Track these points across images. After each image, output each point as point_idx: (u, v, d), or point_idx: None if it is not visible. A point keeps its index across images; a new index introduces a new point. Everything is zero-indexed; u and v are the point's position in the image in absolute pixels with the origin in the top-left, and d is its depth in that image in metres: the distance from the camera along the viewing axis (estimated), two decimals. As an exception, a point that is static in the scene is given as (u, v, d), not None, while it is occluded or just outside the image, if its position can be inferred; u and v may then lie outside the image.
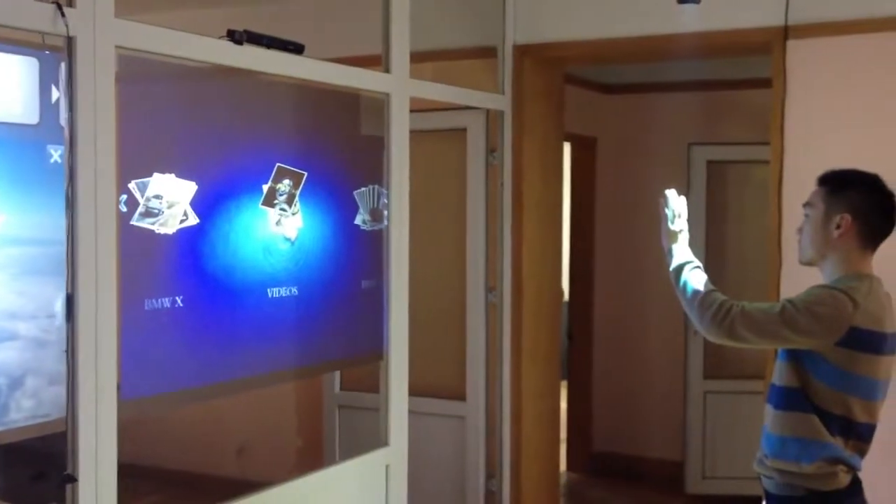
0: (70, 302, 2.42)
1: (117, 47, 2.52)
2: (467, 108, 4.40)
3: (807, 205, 2.58)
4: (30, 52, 2.32)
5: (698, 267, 2.60)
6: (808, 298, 2.42)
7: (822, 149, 3.79)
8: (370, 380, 3.92)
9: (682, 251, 2.66)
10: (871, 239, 2.50)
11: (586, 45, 4.37)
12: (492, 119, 4.48)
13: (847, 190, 2.50)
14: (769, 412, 2.56)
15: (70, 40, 2.38)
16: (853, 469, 2.46)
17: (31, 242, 2.33)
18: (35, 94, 2.34)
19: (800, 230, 2.60)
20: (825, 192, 2.53)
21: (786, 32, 3.88)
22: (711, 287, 2.52)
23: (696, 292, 2.51)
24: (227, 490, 3.04)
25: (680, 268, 2.60)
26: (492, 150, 4.51)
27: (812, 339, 2.39)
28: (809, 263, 2.61)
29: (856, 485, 2.49)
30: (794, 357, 2.47)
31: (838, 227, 2.48)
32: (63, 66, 2.39)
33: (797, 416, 2.45)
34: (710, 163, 5.68)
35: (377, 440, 3.70)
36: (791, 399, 2.47)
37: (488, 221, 4.53)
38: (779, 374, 2.53)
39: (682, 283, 2.56)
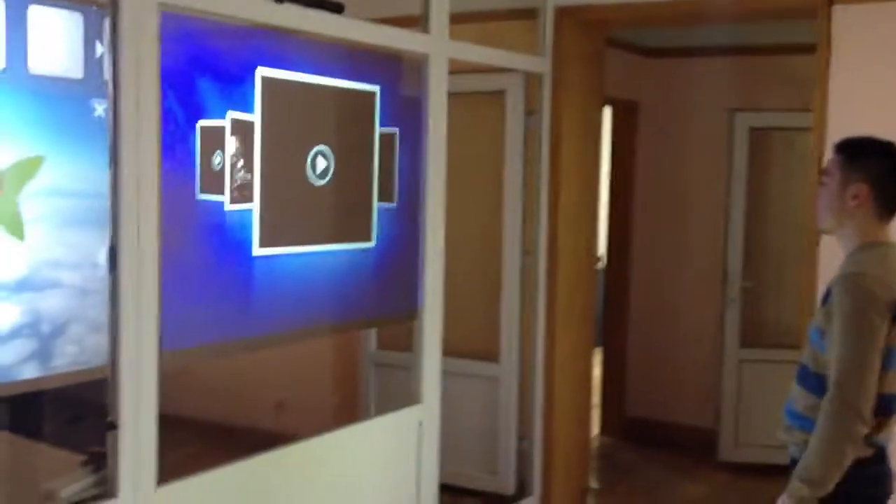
0: (113, 253, 2.49)
1: (160, 3, 2.56)
2: (506, 71, 4.40)
3: (823, 172, 2.58)
4: (75, 6, 2.36)
5: None
6: (854, 301, 2.38)
7: (866, 117, 3.73)
8: (406, 339, 3.98)
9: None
10: (888, 207, 2.50)
11: (628, 7, 4.33)
12: (531, 82, 4.48)
13: (863, 159, 2.49)
14: (796, 389, 2.56)
15: (114, -3, 2.43)
16: (876, 445, 2.47)
17: (75, 194, 2.39)
18: (80, 49, 2.38)
19: (818, 198, 2.60)
20: (842, 161, 2.52)
21: (831, -3, 3.82)
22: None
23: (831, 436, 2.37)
24: (265, 442, 3.11)
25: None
26: (530, 113, 4.50)
27: (884, 325, 2.36)
28: (828, 232, 2.62)
29: (880, 453, 2.49)
30: (818, 345, 2.48)
31: (855, 196, 2.47)
32: (107, 22, 2.43)
33: (820, 401, 2.43)
34: (752, 129, 5.62)
35: (410, 397, 3.76)
36: (814, 383, 2.48)
37: (525, 184, 4.53)
38: (806, 355, 2.54)
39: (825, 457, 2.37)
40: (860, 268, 2.44)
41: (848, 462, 2.36)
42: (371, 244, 3.46)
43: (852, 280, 2.42)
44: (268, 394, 5.39)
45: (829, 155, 2.64)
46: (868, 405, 2.34)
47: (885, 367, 2.42)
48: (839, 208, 2.51)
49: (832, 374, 2.39)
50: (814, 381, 2.50)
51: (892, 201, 2.50)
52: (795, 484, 2.39)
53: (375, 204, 3.47)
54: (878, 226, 2.50)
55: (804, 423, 2.51)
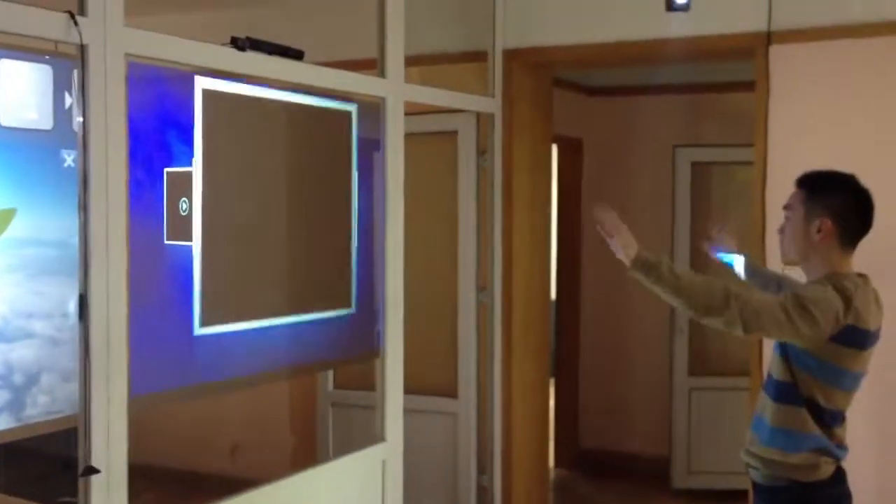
0: (83, 301, 2.49)
1: (127, 54, 2.59)
2: (458, 111, 4.50)
3: (787, 207, 2.65)
4: (44, 59, 2.39)
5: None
6: (814, 295, 2.45)
7: (805, 151, 3.90)
8: (363, 378, 4.00)
9: (649, 252, 2.50)
10: (851, 239, 2.58)
11: (575, 49, 4.47)
12: (482, 122, 4.58)
13: (825, 192, 2.57)
14: (766, 402, 2.62)
15: (83, 48, 2.45)
16: (837, 460, 2.57)
17: (46, 244, 2.40)
18: (49, 100, 2.41)
19: (781, 231, 2.68)
20: (804, 195, 2.60)
21: (769, 38, 3.99)
22: (711, 280, 2.44)
23: (707, 291, 2.40)
24: (222, 488, 3.09)
25: (669, 268, 2.45)
26: (482, 151, 4.60)
27: (817, 333, 2.42)
28: (792, 264, 2.69)
29: (839, 475, 2.59)
30: (784, 352, 2.56)
31: (819, 230, 2.55)
32: (76, 72, 2.46)
33: (788, 409, 2.54)
34: (694, 164, 5.80)
35: (372, 436, 3.78)
36: (783, 392, 2.56)
37: (479, 222, 4.62)
38: (773, 366, 2.62)
39: (682, 283, 2.42)
40: (833, 280, 2.51)
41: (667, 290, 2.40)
42: (352, 310, 3.53)
43: (825, 280, 2.51)
44: (224, 437, 5.35)
45: (773, 189, 2.73)
46: (751, 326, 2.37)
47: (833, 384, 2.52)
48: (803, 242, 2.58)
49: (789, 293, 2.44)
50: (779, 388, 2.56)
51: (855, 233, 2.58)
52: (641, 256, 2.44)
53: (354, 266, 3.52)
54: (842, 256, 2.58)
55: (767, 434, 2.57)
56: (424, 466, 4.60)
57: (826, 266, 2.57)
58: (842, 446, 2.57)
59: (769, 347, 2.76)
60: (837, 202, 2.56)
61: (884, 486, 3.78)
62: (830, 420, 2.54)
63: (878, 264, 2.81)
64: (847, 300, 2.45)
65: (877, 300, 2.58)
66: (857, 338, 2.49)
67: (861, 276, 2.59)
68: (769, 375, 2.65)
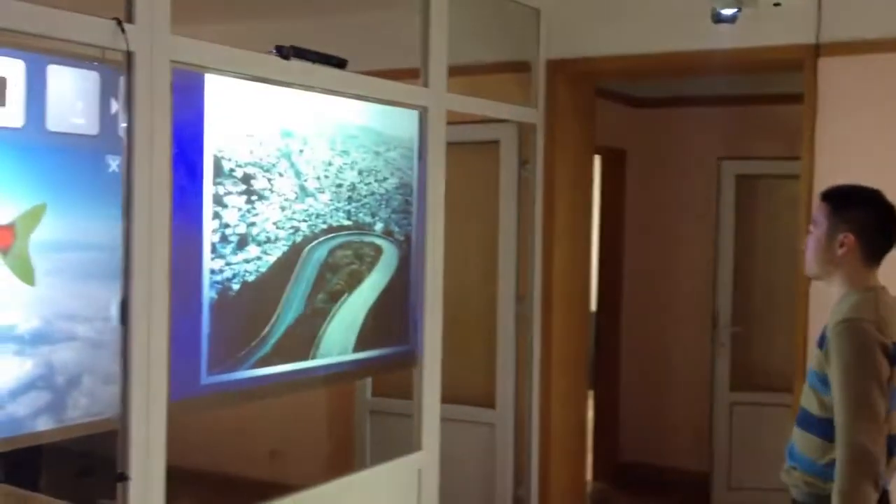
0: (124, 306, 2.52)
1: (172, 62, 2.62)
2: (501, 121, 4.49)
3: (811, 221, 2.63)
4: (92, 65, 2.42)
5: None
6: (851, 346, 2.42)
7: (852, 165, 3.84)
8: (401, 386, 4.00)
9: None
10: (875, 254, 2.55)
11: (619, 60, 4.45)
12: (524, 132, 4.57)
13: (850, 207, 2.55)
14: (797, 432, 2.59)
15: (129, 55, 2.49)
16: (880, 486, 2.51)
17: (90, 248, 2.43)
18: (96, 106, 2.44)
19: (805, 245, 2.66)
20: (828, 210, 2.57)
21: (817, 50, 3.94)
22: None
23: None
24: (260, 492, 3.11)
25: None
26: (524, 162, 4.59)
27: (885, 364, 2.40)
28: (816, 278, 2.67)
29: (882, 498, 2.53)
30: (818, 388, 2.51)
31: (842, 245, 2.52)
32: (122, 79, 2.49)
33: (825, 444, 2.48)
34: (739, 177, 5.73)
35: (409, 445, 3.78)
36: (819, 426, 2.51)
37: (519, 232, 4.60)
38: (806, 398, 2.58)
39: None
40: (855, 313, 2.48)
41: None
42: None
43: (848, 325, 2.46)
44: (263, 442, 5.38)
45: (816, 202, 2.71)
46: (879, 445, 2.37)
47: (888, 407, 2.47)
48: (827, 256, 2.56)
49: (838, 419, 2.41)
50: (815, 424, 2.53)
51: (879, 248, 2.55)
52: None
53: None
54: (866, 271, 2.55)
55: (805, 464, 2.55)
56: (461, 476, 4.59)
57: (849, 282, 2.54)
58: (883, 475, 2.51)
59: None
60: (861, 217, 2.53)
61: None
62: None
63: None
64: (875, 323, 2.42)
65: None
66: (893, 353, 2.45)
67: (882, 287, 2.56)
68: (801, 408, 2.59)
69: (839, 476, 2.38)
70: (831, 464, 2.45)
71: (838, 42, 3.90)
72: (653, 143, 6.31)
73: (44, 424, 2.35)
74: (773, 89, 5.34)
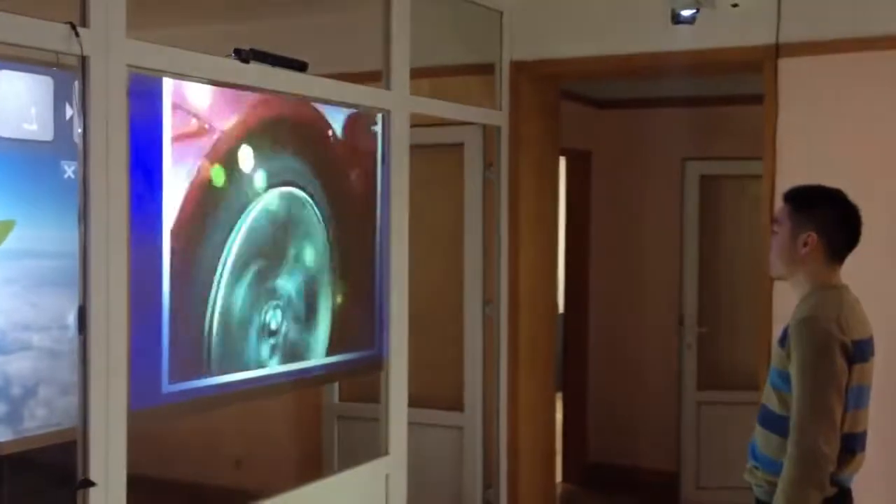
0: (82, 314, 2.48)
1: (128, 66, 2.59)
2: (465, 124, 4.48)
3: (774, 221, 2.67)
4: (45, 70, 2.39)
5: None
6: (810, 345, 2.44)
7: (814, 165, 3.87)
8: (369, 390, 3.98)
9: None
10: (838, 253, 2.59)
11: (582, 62, 4.45)
12: (488, 134, 4.56)
13: (812, 207, 2.59)
14: (759, 431, 2.61)
15: (84, 60, 2.45)
16: (839, 484, 2.53)
17: (45, 255, 2.40)
18: (50, 111, 2.40)
19: (770, 246, 2.68)
20: (790, 210, 2.61)
21: (777, 51, 3.96)
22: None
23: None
24: (227, 501, 3.08)
25: None
26: (489, 164, 4.58)
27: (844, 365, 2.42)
28: (780, 278, 2.71)
29: (843, 492, 2.54)
30: (780, 387, 2.53)
31: (805, 244, 2.56)
32: (77, 84, 2.46)
33: (787, 443, 2.47)
34: (703, 177, 5.77)
35: (377, 450, 3.76)
36: (780, 424, 2.52)
37: (485, 235, 4.60)
38: (767, 397, 2.60)
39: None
40: (815, 311, 2.51)
41: None
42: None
43: (808, 324, 2.48)
44: (229, 449, 5.33)
45: (778, 203, 2.73)
46: (832, 447, 2.40)
47: (845, 407, 2.49)
48: (790, 256, 2.60)
49: (793, 417, 2.44)
50: (776, 421, 2.54)
51: (842, 247, 2.59)
52: None
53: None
54: (829, 270, 2.59)
55: (767, 463, 2.56)
56: (430, 480, 4.57)
57: (812, 281, 2.58)
58: (844, 474, 2.52)
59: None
60: (824, 216, 2.57)
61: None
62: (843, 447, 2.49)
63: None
64: (836, 320, 2.44)
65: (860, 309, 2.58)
66: (856, 351, 2.47)
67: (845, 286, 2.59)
68: (763, 406, 2.62)
69: (785, 472, 2.42)
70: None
71: (798, 43, 3.93)
72: (618, 144, 6.33)
73: (1, 436, 2.30)
74: (738, 90, 5.37)
